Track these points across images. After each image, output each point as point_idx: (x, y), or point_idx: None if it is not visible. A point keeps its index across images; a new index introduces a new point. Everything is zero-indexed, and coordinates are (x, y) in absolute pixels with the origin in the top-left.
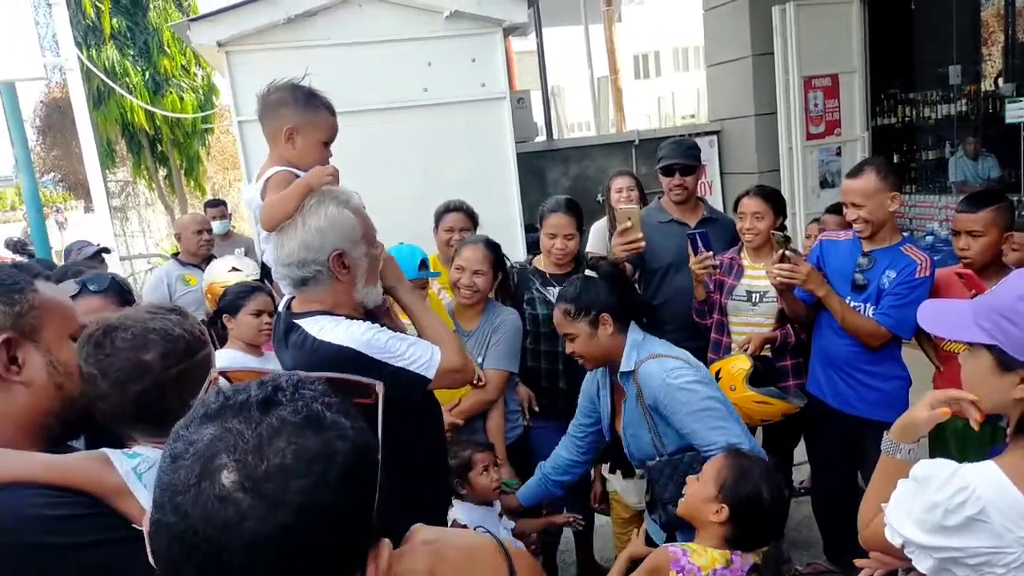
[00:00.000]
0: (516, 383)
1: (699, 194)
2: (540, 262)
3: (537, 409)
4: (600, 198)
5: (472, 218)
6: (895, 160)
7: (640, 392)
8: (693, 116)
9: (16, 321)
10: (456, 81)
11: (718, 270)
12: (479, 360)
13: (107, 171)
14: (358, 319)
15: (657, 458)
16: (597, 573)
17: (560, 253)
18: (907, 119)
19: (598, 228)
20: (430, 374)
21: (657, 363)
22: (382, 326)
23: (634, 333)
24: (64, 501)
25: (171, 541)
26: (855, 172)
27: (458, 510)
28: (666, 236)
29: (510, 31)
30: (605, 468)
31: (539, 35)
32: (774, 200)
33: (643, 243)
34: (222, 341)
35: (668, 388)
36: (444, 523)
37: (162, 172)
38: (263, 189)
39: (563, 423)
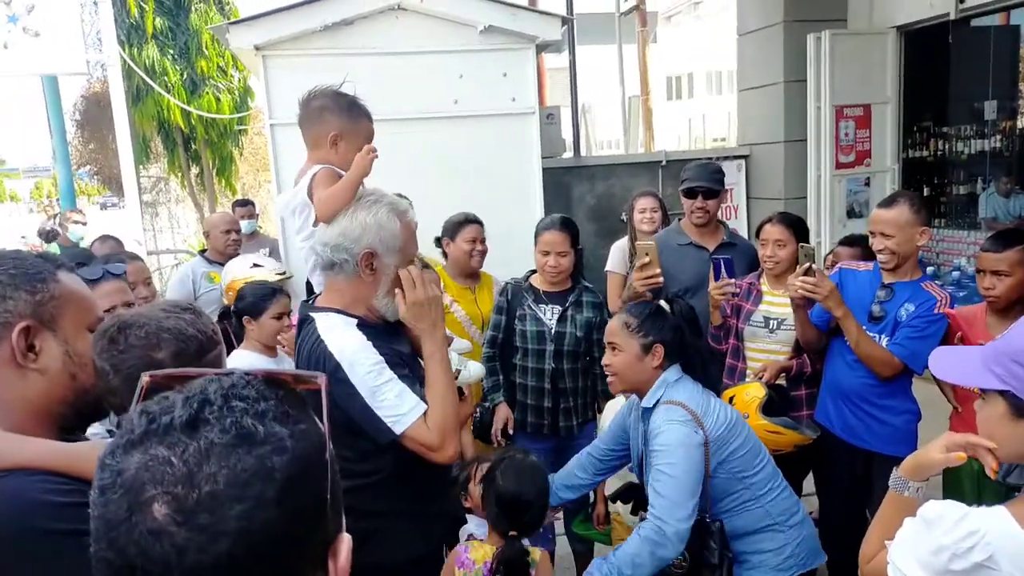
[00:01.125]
0: None
1: (720, 218)
2: (536, 280)
3: (512, 432)
4: (624, 217)
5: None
6: (925, 193)
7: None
8: (724, 139)
9: (36, 309)
10: (487, 94)
11: (736, 296)
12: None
13: (141, 167)
14: (371, 325)
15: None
16: None
17: (553, 271)
18: (939, 152)
19: (619, 247)
20: (396, 430)
21: (665, 410)
22: (400, 348)
23: (672, 373)
24: (71, 488)
25: (111, 575)
26: (888, 203)
27: (472, 524)
28: (684, 259)
29: (543, 47)
30: (607, 490)
31: (572, 52)
32: (797, 228)
33: (661, 279)
34: (238, 339)
35: (654, 439)
36: (456, 538)
37: (194, 170)
38: (310, 186)
39: (552, 443)
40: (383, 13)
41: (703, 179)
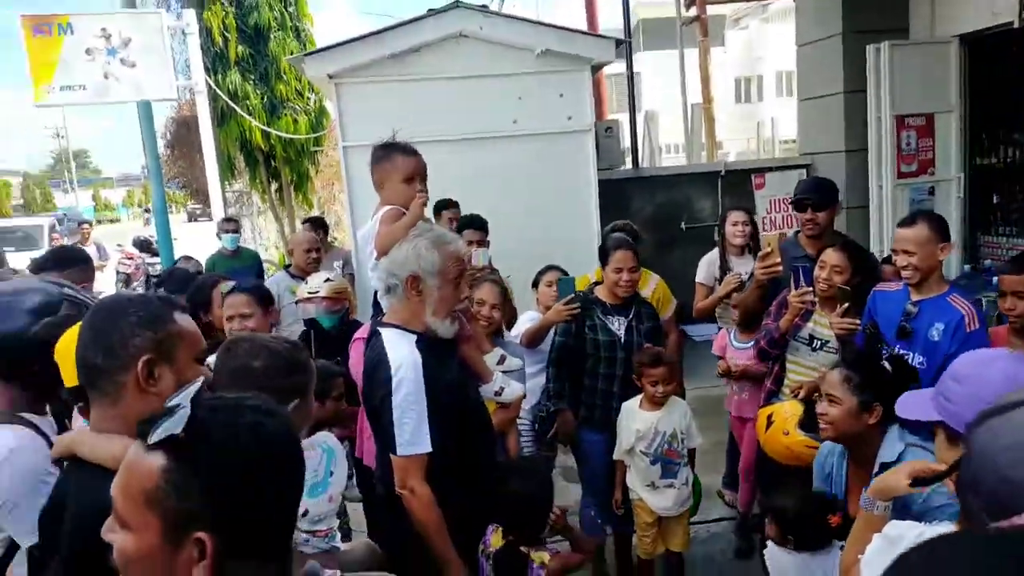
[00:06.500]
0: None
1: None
2: (600, 292)
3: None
4: (684, 226)
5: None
6: (994, 201)
7: None
8: (794, 141)
9: (158, 346)
10: (544, 114)
11: (814, 304)
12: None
13: (226, 182)
14: (428, 340)
15: None
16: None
17: (627, 285)
18: (1009, 160)
19: (708, 260)
20: (397, 451)
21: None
22: (450, 371)
23: (900, 433)
24: None
25: None
26: (907, 222)
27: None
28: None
29: (598, 68)
30: (629, 478)
31: (629, 68)
32: (858, 259)
33: (780, 268)
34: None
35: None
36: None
37: (274, 186)
38: (378, 223)
39: (611, 431)
40: (446, 41)
41: (808, 191)
